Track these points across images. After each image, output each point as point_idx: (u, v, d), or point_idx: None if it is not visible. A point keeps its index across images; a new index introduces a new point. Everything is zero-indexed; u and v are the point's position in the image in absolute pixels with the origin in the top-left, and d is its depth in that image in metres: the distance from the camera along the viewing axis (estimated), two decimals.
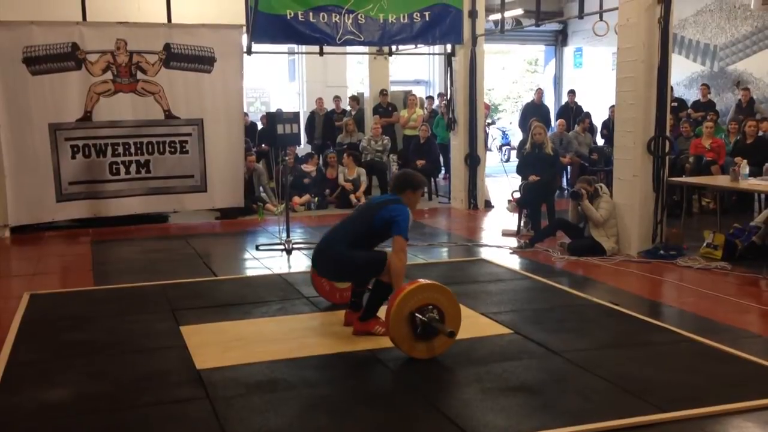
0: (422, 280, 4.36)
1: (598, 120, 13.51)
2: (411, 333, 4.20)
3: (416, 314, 4.18)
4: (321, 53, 10.01)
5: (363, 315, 4.67)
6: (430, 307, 4.22)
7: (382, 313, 4.59)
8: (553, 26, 17.52)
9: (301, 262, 7.22)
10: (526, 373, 4.07)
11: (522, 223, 8.55)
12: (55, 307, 5.58)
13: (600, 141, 13.02)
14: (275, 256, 7.42)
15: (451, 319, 4.26)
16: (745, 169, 7.48)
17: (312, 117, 13.76)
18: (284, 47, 13.65)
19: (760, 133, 9.86)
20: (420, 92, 17.11)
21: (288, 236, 7.66)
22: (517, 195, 8.83)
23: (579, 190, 7.30)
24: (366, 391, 3.91)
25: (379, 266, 4.54)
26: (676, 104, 10.75)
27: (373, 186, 11.55)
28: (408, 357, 4.24)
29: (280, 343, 4.57)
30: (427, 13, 9.78)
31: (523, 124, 13.54)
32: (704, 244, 7.04)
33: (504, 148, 18.46)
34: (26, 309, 5.42)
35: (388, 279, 4.52)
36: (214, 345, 4.55)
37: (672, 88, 7.96)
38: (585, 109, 13.60)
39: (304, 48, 12.42)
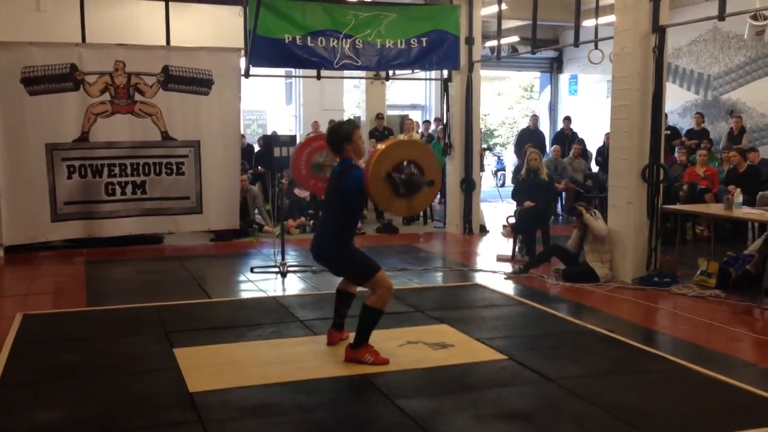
0: (393, 140, 4.40)
1: (592, 147, 13.60)
2: (393, 193, 4.22)
3: (393, 174, 4.19)
4: (318, 77, 10.07)
5: (354, 343, 4.64)
6: (406, 163, 4.22)
7: (372, 340, 4.61)
8: (549, 53, 17.68)
9: (295, 285, 7.22)
10: (520, 399, 4.06)
11: (517, 249, 8.56)
12: (48, 327, 5.56)
13: (594, 167, 13.10)
14: (270, 279, 7.40)
15: (428, 169, 4.29)
16: (739, 197, 7.52)
17: None
18: (281, 70, 13.75)
19: (748, 162, 9.92)
20: (416, 117, 17.20)
21: (283, 259, 7.66)
22: (512, 220, 8.86)
23: (576, 207, 7.43)
24: (360, 416, 3.89)
25: (369, 273, 4.53)
26: (669, 132, 10.82)
27: (369, 209, 11.57)
28: (402, 381, 4.24)
29: (274, 367, 4.56)
30: (424, 39, 9.87)
31: (519, 150, 13.61)
32: (698, 272, 7.05)
33: (499, 173, 18.55)
34: (19, 329, 5.39)
35: (372, 302, 4.52)
36: (208, 368, 4.54)
37: (666, 115, 8.03)
38: (580, 136, 13.69)
39: (301, 71, 12.52)
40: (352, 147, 4.62)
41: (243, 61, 9.43)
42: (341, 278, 5.01)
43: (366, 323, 4.58)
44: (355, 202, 4.61)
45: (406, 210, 4.29)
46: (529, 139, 13.28)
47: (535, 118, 15.08)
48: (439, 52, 10.01)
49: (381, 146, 4.33)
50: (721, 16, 6.62)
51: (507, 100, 24.28)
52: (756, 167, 9.95)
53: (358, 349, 4.60)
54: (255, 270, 7.75)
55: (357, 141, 4.64)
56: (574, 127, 14.35)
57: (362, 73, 12.83)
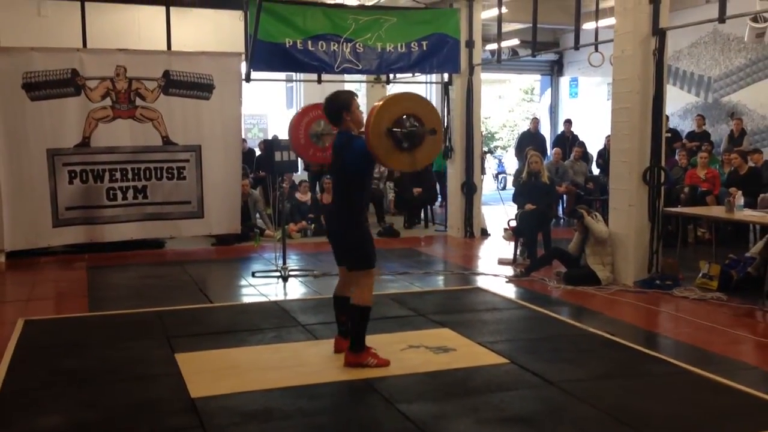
0: (387, 96, 4.42)
1: (593, 149, 13.60)
2: (396, 148, 4.24)
3: (394, 129, 4.20)
4: (319, 81, 10.08)
5: (352, 346, 4.62)
6: (405, 117, 4.23)
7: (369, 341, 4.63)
8: (549, 56, 17.69)
9: (297, 289, 7.22)
10: (522, 403, 4.06)
11: (518, 252, 8.56)
12: (50, 333, 5.56)
13: (595, 170, 13.09)
14: (271, 283, 7.40)
15: (428, 119, 4.33)
16: (740, 200, 7.51)
17: None
18: (282, 75, 13.75)
19: (751, 164, 9.92)
20: None
21: (284, 263, 7.66)
22: (513, 223, 8.86)
23: (578, 210, 7.46)
24: (361, 421, 3.89)
25: (367, 264, 4.55)
26: (669, 135, 10.81)
27: (370, 213, 11.56)
28: (403, 385, 4.23)
29: (276, 372, 4.56)
30: (424, 43, 9.88)
31: (519, 152, 13.61)
32: (700, 275, 7.05)
33: (500, 176, 18.55)
34: (20, 335, 5.39)
35: (357, 301, 4.53)
36: (209, 373, 4.54)
37: (667, 117, 8.03)
38: (581, 139, 13.70)
39: (302, 75, 12.50)
40: (351, 117, 4.55)
41: (244, 66, 9.45)
42: (337, 283, 5.00)
43: (356, 324, 4.58)
44: (362, 170, 4.54)
45: (409, 165, 4.32)
46: (529, 142, 13.27)
47: (535, 121, 15.07)
48: (440, 55, 10.02)
49: (378, 103, 4.31)
50: (722, 19, 6.62)
51: (507, 103, 24.27)
52: (758, 169, 9.95)
53: (359, 353, 4.59)
54: (256, 274, 7.74)
55: (355, 111, 4.56)
56: (574, 129, 14.34)
57: (363, 77, 12.82)
